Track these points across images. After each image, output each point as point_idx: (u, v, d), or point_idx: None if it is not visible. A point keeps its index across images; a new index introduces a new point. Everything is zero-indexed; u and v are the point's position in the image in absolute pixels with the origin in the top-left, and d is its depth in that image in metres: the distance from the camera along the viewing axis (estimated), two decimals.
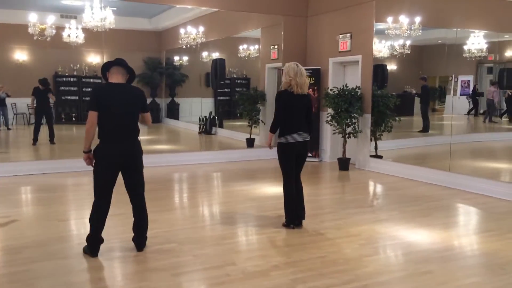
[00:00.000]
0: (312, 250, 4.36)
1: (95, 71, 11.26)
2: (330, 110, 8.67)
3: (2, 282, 3.62)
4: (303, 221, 5.09)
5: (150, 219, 4.57)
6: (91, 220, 4.15)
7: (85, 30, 9.66)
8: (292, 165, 4.99)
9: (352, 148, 8.81)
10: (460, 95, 9.03)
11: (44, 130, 9.89)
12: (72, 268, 3.93)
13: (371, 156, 8.60)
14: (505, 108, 9.09)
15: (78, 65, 11.13)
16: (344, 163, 8.53)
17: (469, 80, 9.02)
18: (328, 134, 9.35)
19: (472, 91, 9.06)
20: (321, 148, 9.69)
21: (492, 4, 8.18)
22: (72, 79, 11.18)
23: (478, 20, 8.45)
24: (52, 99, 9.99)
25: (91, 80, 11.37)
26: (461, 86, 8.95)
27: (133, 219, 4.30)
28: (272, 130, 5.02)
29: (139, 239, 4.30)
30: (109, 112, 3.99)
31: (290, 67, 4.85)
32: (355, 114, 8.40)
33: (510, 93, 8.76)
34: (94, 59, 11.27)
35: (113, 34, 9.48)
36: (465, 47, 8.45)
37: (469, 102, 9.28)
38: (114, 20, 9.00)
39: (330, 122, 8.64)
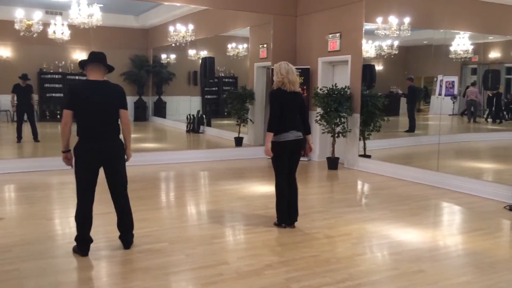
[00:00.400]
0: (304, 249, 4.36)
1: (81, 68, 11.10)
2: (319, 110, 8.69)
3: None
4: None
5: (139, 218, 4.53)
6: (76, 219, 4.07)
7: (71, 26, 9.51)
8: (284, 164, 4.96)
9: (341, 148, 8.84)
10: (445, 95, 9.13)
11: (27, 128, 9.72)
12: (61, 267, 3.85)
13: (360, 155, 8.65)
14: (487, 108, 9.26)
15: (63, 62, 10.96)
16: (333, 163, 8.56)
17: (453, 81, 9.14)
18: (317, 134, 9.37)
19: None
20: None
21: (478, 6, 8.30)
22: (56, 76, 11.00)
23: (464, 22, 8.58)
24: (33, 100, 9.84)
25: (76, 77, 11.18)
26: (446, 86, 9.05)
27: None
28: (271, 129, 4.85)
29: (125, 237, 4.24)
30: (87, 110, 3.91)
31: (281, 66, 4.86)
32: (344, 114, 8.44)
33: (490, 94, 8.92)
34: (80, 56, 11.10)
35: (100, 31, 9.36)
36: (451, 48, 8.57)
37: (453, 102, 9.39)
38: (101, 17, 8.88)
39: (319, 122, 8.66)
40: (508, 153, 8.73)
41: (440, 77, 8.68)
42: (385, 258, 4.29)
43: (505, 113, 9.11)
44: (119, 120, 4.10)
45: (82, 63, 4.05)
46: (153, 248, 4.30)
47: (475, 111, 9.36)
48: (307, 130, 5.03)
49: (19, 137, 9.59)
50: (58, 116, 10.89)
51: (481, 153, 9.48)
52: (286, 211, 4.99)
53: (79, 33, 9.54)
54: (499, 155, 9.05)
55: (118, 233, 4.30)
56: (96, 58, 4.03)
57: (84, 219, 4.04)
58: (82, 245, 4.06)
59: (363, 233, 4.93)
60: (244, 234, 4.89)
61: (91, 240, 4.11)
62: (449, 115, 9.37)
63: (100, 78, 4.03)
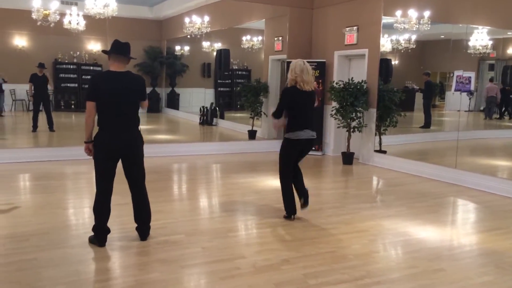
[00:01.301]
0: (321, 244, 4.31)
1: (95, 58, 11.14)
2: (335, 104, 8.59)
3: (11, 270, 3.55)
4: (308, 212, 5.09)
5: (154, 209, 4.51)
6: (94, 210, 4.08)
7: (86, 17, 9.53)
8: (292, 161, 5.00)
9: (356, 143, 8.75)
10: (461, 91, 8.97)
11: (43, 117, 9.78)
12: (79, 257, 3.85)
13: (375, 151, 8.55)
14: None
15: (78, 53, 11.01)
16: (348, 157, 8.48)
17: (470, 77, 8.98)
18: (332, 128, 9.29)
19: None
20: (325, 141, 9.62)
21: (498, 0, 8.11)
22: (71, 67, 11.06)
23: (483, 16, 8.39)
24: (50, 86, 9.88)
25: (91, 68, 11.25)
26: (462, 82, 8.89)
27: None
28: (276, 115, 4.93)
29: (142, 228, 4.24)
30: (108, 100, 3.91)
31: (297, 64, 4.82)
32: (360, 108, 8.34)
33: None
34: (94, 46, 11.14)
35: (114, 22, 9.36)
36: (469, 43, 8.40)
37: (469, 99, 9.23)
38: (116, 7, 8.86)
39: (334, 116, 8.57)
40: None
41: (457, 73, 8.52)
42: (403, 255, 4.22)
43: None
44: (138, 112, 4.09)
45: (107, 52, 4.03)
46: (169, 240, 4.28)
47: (493, 108, 9.19)
48: None
49: (35, 127, 9.65)
50: (73, 106, 10.95)
51: (499, 151, 9.32)
52: (294, 202, 5.00)
53: (94, 24, 9.56)
54: None
55: (134, 224, 4.29)
56: (120, 50, 3.99)
57: (102, 209, 4.05)
58: (100, 235, 4.06)
59: (380, 229, 4.86)
60: (260, 228, 4.85)
61: (108, 231, 4.11)
62: (465, 111, 9.23)
63: (122, 69, 4.01)
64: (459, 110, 8.89)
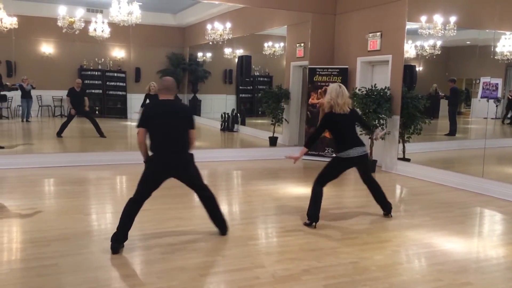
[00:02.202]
0: (342, 255, 4.22)
1: (119, 65, 11.30)
2: (357, 110, 8.46)
3: (32, 275, 3.58)
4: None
5: (174, 216, 4.55)
6: (122, 216, 4.18)
7: (111, 24, 9.68)
8: (335, 175, 5.19)
9: (379, 150, 8.60)
10: (489, 98, 8.74)
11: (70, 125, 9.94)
12: (99, 263, 3.86)
13: (399, 158, 8.38)
14: None
15: (102, 59, 11.19)
16: (371, 165, 8.32)
17: (497, 83, 8.74)
18: None
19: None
20: None
21: None
22: (96, 73, 11.25)
23: (511, 22, 8.16)
24: (86, 102, 10.16)
25: (115, 74, 11.42)
26: (488, 89, 8.66)
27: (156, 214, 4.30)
28: (307, 145, 5.29)
29: (221, 229, 4.59)
30: (159, 126, 4.19)
31: (333, 88, 5.06)
32: (383, 115, 8.20)
33: (510, 97, 8.57)
34: (119, 53, 11.30)
35: (138, 29, 9.48)
36: (496, 49, 8.18)
37: (496, 106, 8.99)
38: (140, 15, 8.97)
39: (357, 123, 8.43)
40: None
41: (484, 79, 8.32)
42: (428, 268, 4.08)
43: None
44: (188, 134, 4.34)
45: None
46: (189, 247, 4.26)
47: None
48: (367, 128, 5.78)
49: (61, 132, 9.81)
50: (97, 112, 11.10)
51: None
52: (319, 210, 5.04)
53: (119, 31, 9.70)
54: None
55: (154, 230, 4.31)
56: (169, 89, 4.30)
57: (129, 216, 4.17)
58: (117, 241, 4.09)
59: (404, 240, 4.73)
60: (280, 236, 4.79)
61: (126, 239, 4.15)
62: (492, 118, 8.98)
63: (170, 97, 4.31)
64: (485, 118, 8.65)
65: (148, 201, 4.28)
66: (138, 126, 4.20)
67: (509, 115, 8.93)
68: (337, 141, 5.14)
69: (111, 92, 11.51)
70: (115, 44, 11.08)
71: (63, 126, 9.81)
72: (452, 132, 9.44)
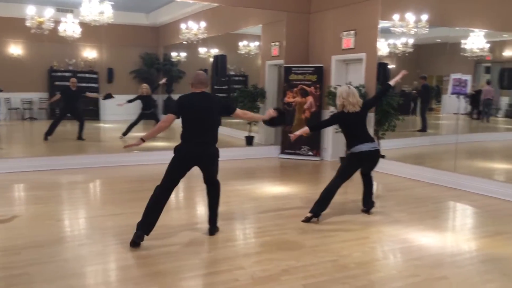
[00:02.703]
0: (321, 253, 4.22)
1: (91, 66, 11.07)
2: (332, 109, 8.52)
3: (1, 286, 3.44)
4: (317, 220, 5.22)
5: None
6: (148, 206, 4.28)
7: (82, 24, 9.46)
8: (352, 172, 5.33)
9: None
10: (458, 94, 8.93)
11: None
12: (73, 271, 3.74)
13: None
14: (500, 108, 9.08)
15: (73, 60, 10.94)
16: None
17: (466, 80, 8.93)
18: (330, 133, 9.21)
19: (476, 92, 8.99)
20: (323, 147, 9.55)
21: (494, 3, 8.08)
22: (67, 74, 10.96)
23: (479, 20, 8.36)
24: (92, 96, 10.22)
25: (87, 75, 11.16)
26: (458, 85, 8.84)
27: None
28: (312, 128, 5.59)
29: (211, 227, 4.66)
30: (192, 117, 4.32)
31: (343, 90, 5.24)
32: None
33: (473, 92, 8.80)
34: (90, 54, 11.07)
35: (110, 29, 9.31)
36: (466, 46, 8.37)
37: (466, 102, 9.19)
38: (112, 14, 8.80)
39: None
40: None
41: (454, 76, 8.49)
42: (405, 263, 4.12)
43: None
44: (218, 129, 4.49)
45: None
46: (166, 251, 4.18)
47: (490, 110, 9.16)
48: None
49: (49, 134, 9.64)
50: (68, 115, 10.84)
51: (497, 153, 9.26)
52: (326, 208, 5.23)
53: (90, 31, 9.50)
54: None
55: (128, 235, 4.22)
56: (202, 83, 4.43)
57: (156, 205, 4.28)
58: (141, 230, 4.16)
59: (381, 236, 4.78)
60: (258, 237, 4.76)
61: (151, 229, 4.23)
62: (462, 114, 9.19)
63: (204, 90, 4.44)
64: (456, 113, 8.84)
65: (122, 204, 4.20)
66: (171, 112, 4.33)
67: (475, 110, 9.15)
68: (349, 138, 5.36)
69: (84, 94, 11.26)
70: (87, 44, 10.85)
71: (53, 127, 9.59)
72: (424, 128, 9.62)
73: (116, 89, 10.92)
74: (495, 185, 6.57)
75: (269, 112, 4.84)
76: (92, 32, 9.50)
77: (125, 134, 10.11)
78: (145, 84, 10.45)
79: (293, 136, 5.31)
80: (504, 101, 9.13)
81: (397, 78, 5.51)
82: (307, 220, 5.13)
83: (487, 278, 3.77)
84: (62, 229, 4.92)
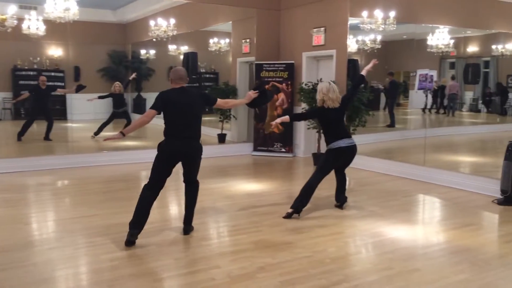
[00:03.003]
0: (297, 249, 4.23)
1: (57, 64, 10.76)
2: (304, 105, 8.57)
3: None
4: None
5: (122, 221, 4.38)
6: (137, 205, 4.32)
7: (46, 21, 9.17)
8: (331, 167, 5.47)
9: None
10: (424, 89, 9.13)
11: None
12: (43, 276, 3.62)
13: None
14: (465, 102, 9.36)
15: (38, 58, 10.58)
16: (318, 158, 8.44)
17: (432, 75, 9.15)
18: (302, 129, 9.27)
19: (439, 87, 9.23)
20: (295, 143, 9.60)
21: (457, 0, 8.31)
22: (32, 73, 10.60)
23: (444, 16, 8.56)
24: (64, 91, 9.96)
25: (52, 74, 10.82)
26: (424, 80, 9.04)
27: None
28: (292, 118, 5.96)
29: (186, 227, 4.63)
30: (174, 112, 4.32)
31: (323, 85, 5.31)
32: None
33: (436, 87, 9.06)
34: (56, 52, 10.76)
35: (76, 26, 9.06)
36: (431, 43, 8.56)
37: (432, 96, 9.42)
38: (78, 11, 8.56)
39: None
40: (487, 146, 8.82)
41: (420, 71, 8.69)
42: (379, 257, 4.18)
43: (483, 106, 9.23)
44: (200, 123, 4.51)
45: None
46: (139, 252, 4.11)
47: (455, 105, 9.41)
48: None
49: (21, 134, 9.36)
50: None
51: (462, 147, 9.53)
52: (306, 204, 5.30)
53: (55, 28, 9.22)
54: (480, 148, 9.12)
55: (100, 237, 4.11)
56: (182, 78, 4.42)
57: (142, 206, 4.29)
58: (133, 228, 4.18)
59: (354, 231, 4.84)
60: (233, 235, 4.74)
61: (141, 228, 4.24)
62: (429, 109, 9.42)
63: (183, 85, 4.43)
64: (422, 108, 9.05)
65: (92, 206, 4.09)
66: (152, 107, 4.27)
67: (434, 105, 9.40)
68: (327, 134, 5.42)
69: (53, 91, 10.95)
70: (52, 42, 10.53)
71: (25, 127, 9.29)
72: (392, 124, 9.80)
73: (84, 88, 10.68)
74: (462, 177, 6.76)
75: (249, 94, 4.87)
76: (57, 29, 9.22)
77: (97, 133, 9.88)
78: (117, 82, 10.24)
79: (274, 124, 5.38)
80: (468, 95, 9.41)
81: (369, 67, 5.58)
82: (288, 216, 5.14)
83: (458, 269, 3.86)
84: (31, 233, 4.76)
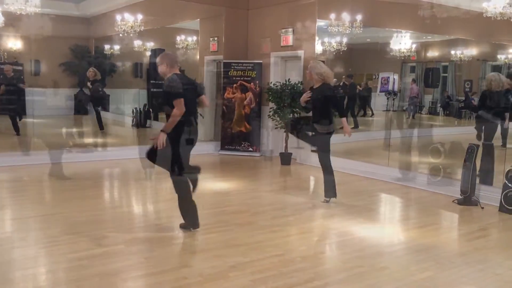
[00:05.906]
0: (267, 248, 4.24)
1: (15, 57, 10.35)
2: (272, 105, 8.61)
3: None
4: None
5: (88, 219, 4.26)
6: (180, 202, 4.53)
7: (5, 13, 8.82)
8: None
9: (294, 143, 8.82)
10: (386, 92, 9.37)
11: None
12: (4, 276, 3.47)
13: (312, 150, 8.66)
14: (424, 105, 9.71)
15: None
16: (286, 158, 8.53)
17: (394, 78, 9.42)
18: (269, 129, 9.31)
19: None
20: (262, 142, 9.63)
21: (419, 6, 8.57)
22: None
23: (406, 21, 8.82)
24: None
25: (12, 67, 10.40)
26: (386, 83, 9.30)
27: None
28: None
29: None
30: (186, 98, 4.32)
31: (316, 64, 5.77)
32: (297, 109, 8.41)
33: (360, 88, 9.53)
34: (15, 44, 10.34)
35: (37, 18, 8.75)
36: (394, 47, 8.82)
37: (393, 99, 9.67)
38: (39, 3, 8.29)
39: (272, 117, 8.58)
40: (447, 148, 9.14)
41: (382, 75, 8.94)
42: (348, 255, 4.25)
43: (441, 109, 9.60)
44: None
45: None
46: (108, 251, 4.01)
47: (415, 108, 9.72)
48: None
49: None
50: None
51: (423, 148, 9.85)
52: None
53: (15, 20, 8.88)
54: (440, 150, 9.43)
55: (66, 236, 4.00)
56: (177, 62, 4.49)
57: (189, 196, 4.57)
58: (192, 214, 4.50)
59: (324, 230, 4.91)
60: (203, 234, 4.69)
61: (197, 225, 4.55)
62: (389, 111, 9.69)
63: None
64: (384, 110, 9.28)
65: (56, 204, 3.96)
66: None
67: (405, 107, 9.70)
68: (328, 114, 5.82)
69: (6, 87, 10.48)
70: (10, 34, 10.12)
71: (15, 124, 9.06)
72: (356, 125, 10.02)
73: (44, 82, 10.33)
74: (423, 178, 6.99)
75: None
76: (17, 21, 8.88)
77: (102, 128, 10.02)
78: (92, 68, 10.01)
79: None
80: (427, 98, 9.74)
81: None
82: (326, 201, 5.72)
83: (423, 266, 3.98)
84: None
